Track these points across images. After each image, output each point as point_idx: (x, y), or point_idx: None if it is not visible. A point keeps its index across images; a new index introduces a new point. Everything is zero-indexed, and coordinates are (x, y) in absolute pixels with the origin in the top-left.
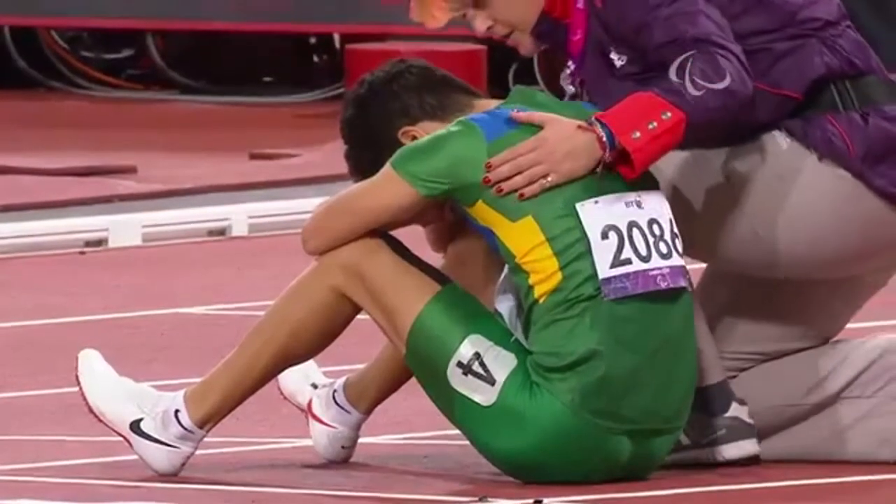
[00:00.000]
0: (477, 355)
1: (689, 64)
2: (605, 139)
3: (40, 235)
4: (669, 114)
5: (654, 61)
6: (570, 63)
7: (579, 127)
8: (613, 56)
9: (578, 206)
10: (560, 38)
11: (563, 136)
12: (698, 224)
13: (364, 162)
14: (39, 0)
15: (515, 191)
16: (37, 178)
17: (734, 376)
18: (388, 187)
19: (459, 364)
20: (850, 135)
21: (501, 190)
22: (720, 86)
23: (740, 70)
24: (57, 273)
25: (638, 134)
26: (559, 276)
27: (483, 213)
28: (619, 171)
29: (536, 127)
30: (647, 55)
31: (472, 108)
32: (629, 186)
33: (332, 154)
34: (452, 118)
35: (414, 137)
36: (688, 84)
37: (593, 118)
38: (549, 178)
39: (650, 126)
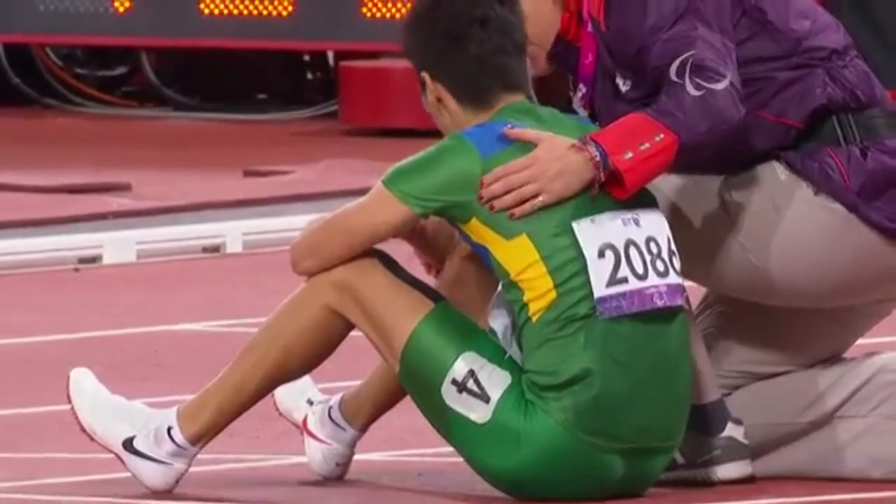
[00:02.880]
0: (471, 373)
1: (687, 65)
2: (597, 159)
3: (34, 252)
4: (662, 135)
5: (652, 83)
6: (581, 86)
7: (572, 146)
8: (619, 80)
9: (574, 224)
10: (572, 61)
11: (555, 155)
12: (695, 249)
13: (412, 61)
14: (34, 17)
15: (508, 209)
16: (31, 194)
17: (729, 394)
18: (382, 207)
19: (454, 382)
20: (848, 169)
21: (493, 207)
22: (719, 86)
23: (732, 94)
24: (51, 290)
25: (630, 154)
26: (553, 294)
27: (477, 230)
28: (611, 192)
29: (531, 144)
30: (646, 78)
31: (491, 110)
32: (627, 204)
33: (326, 171)
34: (466, 109)
35: (424, 85)
36: (688, 84)
37: (587, 137)
38: (540, 199)
39: (642, 147)
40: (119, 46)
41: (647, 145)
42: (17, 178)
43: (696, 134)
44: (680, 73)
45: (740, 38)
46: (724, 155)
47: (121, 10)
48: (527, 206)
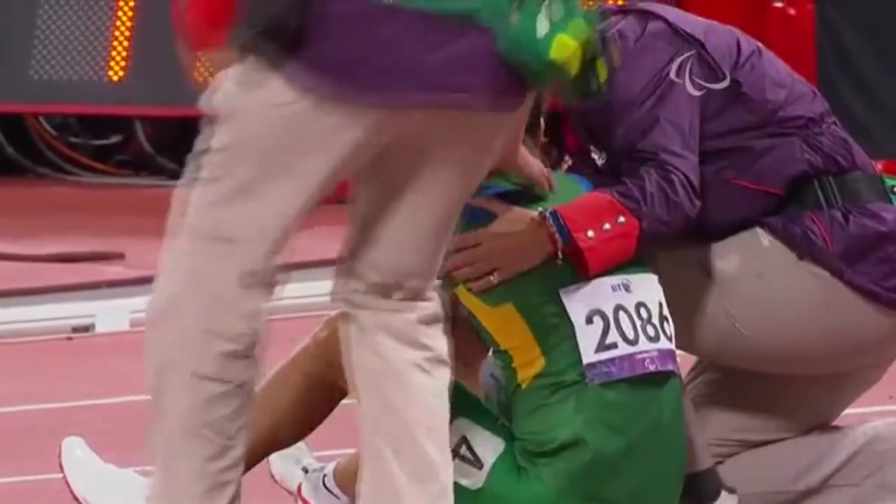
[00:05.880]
0: (464, 439)
1: (649, 154)
2: (556, 235)
3: (27, 321)
4: (624, 219)
5: (619, 161)
6: (566, 158)
7: (532, 220)
8: (594, 155)
9: (562, 291)
10: (558, 133)
11: (510, 230)
12: (681, 317)
13: None
14: (27, 86)
15: (467, 282)
16: (24, 264)
17: (721, 462)
18: None
19: None
20: (831, 233)
21: (455, 278)
22: (676, 180)
23: (687, 187)
24: (44, 359)
25: (591, 233)
26: (542, 361)
27: (465, 297)
28: (576, 266)
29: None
30: (613, 156)
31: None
32: (617, 269)
33: (318, 239)
34: None
35: None
36: (650, 175)
37: (549, 211)
38: (494, 276)
39: (604, 227)
40: (113, 115)
41: (608, 226)
42: (9, 248)
43: (657, 222)
44: (643, 161)
45: (715, 109)
46: (707, 224)
47: (115, 78)
48: (482, 283)
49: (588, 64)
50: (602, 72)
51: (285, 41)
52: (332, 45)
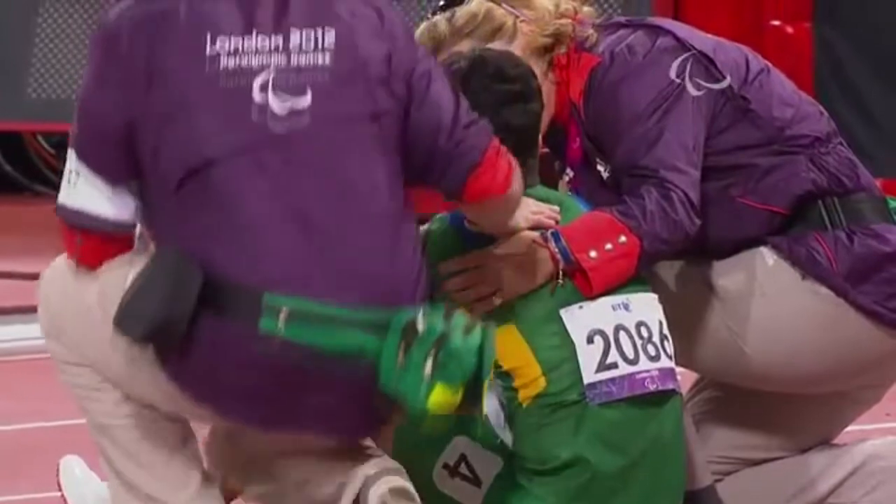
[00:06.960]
0: (463, 457)
1: (649, 172)
2: (558, 255)
3: (25, 339)
4: (625, 238)
5: (619, 178)
6: (568, 171)
7: (533, 241)
8: (600, 167)
9: (562, 311)
10: (561, 144)
11: (512, 251)
12: (683, 333)
13: None
14: (25, 104)
15: (468, 304)
16: (22, 282)
17: (720, 479)
18: None
19: (445, 466)
20: (835, 253)
21: (456, 301)
22: (675, 198)
23: (686, 205)
24: (36, 377)
25: (594, 253)
26: (543, 381)
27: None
28: (578, 287)
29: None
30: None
31: None
32: (617, 289)
33: None
34: None
35: None
36: (650, 193)
37: (550, 232)
38: (496, 298)
39: (606, 247)
40: None
41: (610, 246)
42: (8, 265)
43: (657, 241)
44: (644, 178)
45: (722, 127)
46: (710, 241)
47: None
48: (484, 305)
49: (470, 396)
50: (482, 405)
51: (164, 345)
52: (205, 363)
